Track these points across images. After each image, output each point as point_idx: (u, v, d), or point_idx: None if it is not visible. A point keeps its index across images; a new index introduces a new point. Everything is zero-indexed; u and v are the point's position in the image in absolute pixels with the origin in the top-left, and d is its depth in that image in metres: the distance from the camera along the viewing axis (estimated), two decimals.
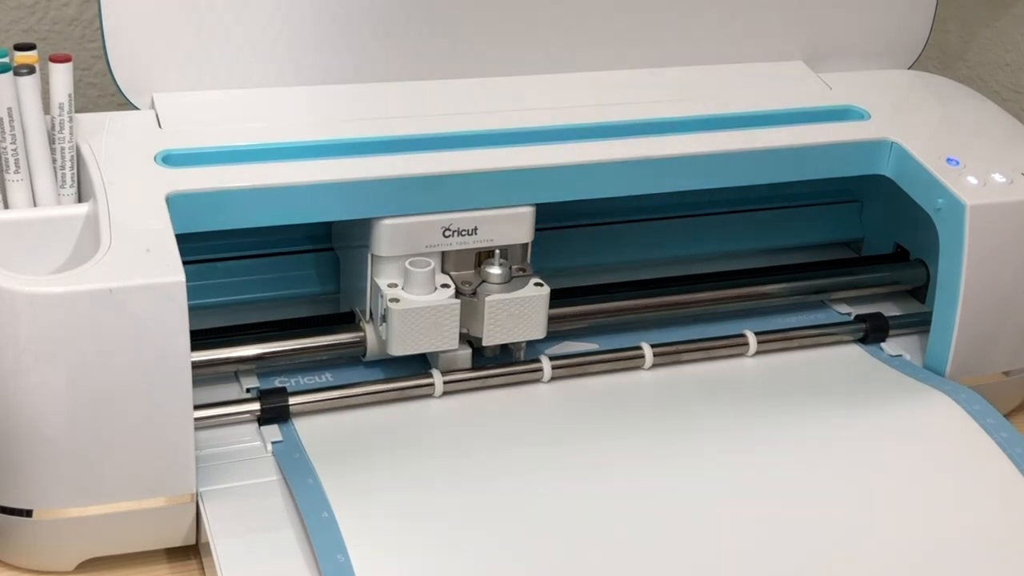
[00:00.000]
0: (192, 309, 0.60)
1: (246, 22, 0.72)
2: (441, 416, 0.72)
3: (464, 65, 0.77)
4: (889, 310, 0.84)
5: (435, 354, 0.73)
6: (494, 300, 0.71)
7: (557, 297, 0.79)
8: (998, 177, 0.75)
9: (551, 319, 0.76)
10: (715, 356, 0.78)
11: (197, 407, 0.64)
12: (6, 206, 0.65)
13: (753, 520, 0.65)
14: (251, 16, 0.72)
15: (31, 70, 0.64)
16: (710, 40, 0.82)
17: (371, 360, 0.74)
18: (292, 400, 0.70)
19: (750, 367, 0.78)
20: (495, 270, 0.72)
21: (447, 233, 0.70)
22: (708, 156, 0.75)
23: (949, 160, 0.76)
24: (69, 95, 0.65)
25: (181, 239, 0.62)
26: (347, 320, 0.75)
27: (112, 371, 0.59)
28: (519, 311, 0.71)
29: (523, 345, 0.75)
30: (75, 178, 0.67)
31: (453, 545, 0.62)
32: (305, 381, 0.73)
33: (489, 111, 0.75)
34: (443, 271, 0.72)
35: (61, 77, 0.65)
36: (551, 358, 0.75)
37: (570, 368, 0.75)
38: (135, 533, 0.64)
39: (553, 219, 0.83)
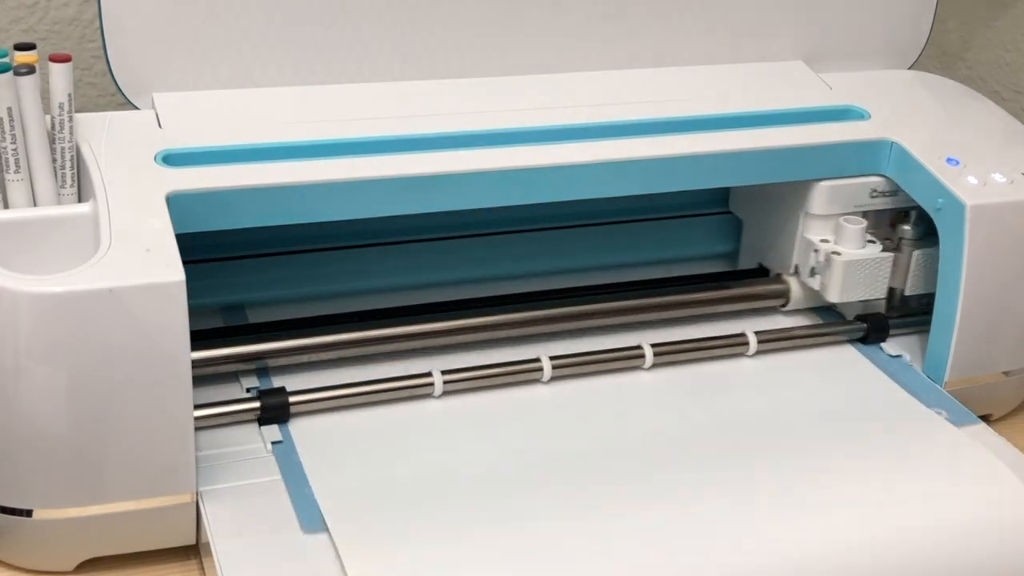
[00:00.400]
0: (192, 309, 0.60)
1: (246, 22, 0.72)
2: (441, 416, 0.72)
3: (464, 65, 0.77)
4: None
5: (853, 304, 0.81)
6: (920, 254, 0.79)
7: (557, 297, 0.79)
8: (998, 177, 0.75)
9: (551, 319, 0.76)
10: (715, 356, 0.78)
11: (197, 407, 0.64)
12: (6, 206, 0.65)
13: (753, 520, 0.65)
14: (251, 16, 0.72)
15: (31, 70, 0.64)
16: (710, 40, 0.82)
17: (792, 310, 0.82)
18: (292, 400, 0.70)
19: (750, 367, 0.78)
20: (911, 228, 0.79)
21: (874, 194, 0.78)
22: (708, 156, 0.75)
23: (949, 160, 0.76)
24: (69, 95, 0.65)
25: (181, 239, 0.62)
26: (760, 274, 0.84)
27: (112, 371, 0.59)
28: (937, 264, 0.77)
29: (924, 301, 0.80)
30: (75, 178, 0.66)
31: (453, 544, 0.62)
32: (305, 381, 0.73)
33: (487, 111, 0.75)
34: None
35: (61, 77, 0.65)
36: (551, 358, 0.75)
37: (570, 368, 0.75)
38: (135, 533, 0.64)
39: (554, 219, 0.83)
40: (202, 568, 0.65)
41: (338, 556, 0.60)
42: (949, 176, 0.75)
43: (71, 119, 0.66)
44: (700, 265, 0.87)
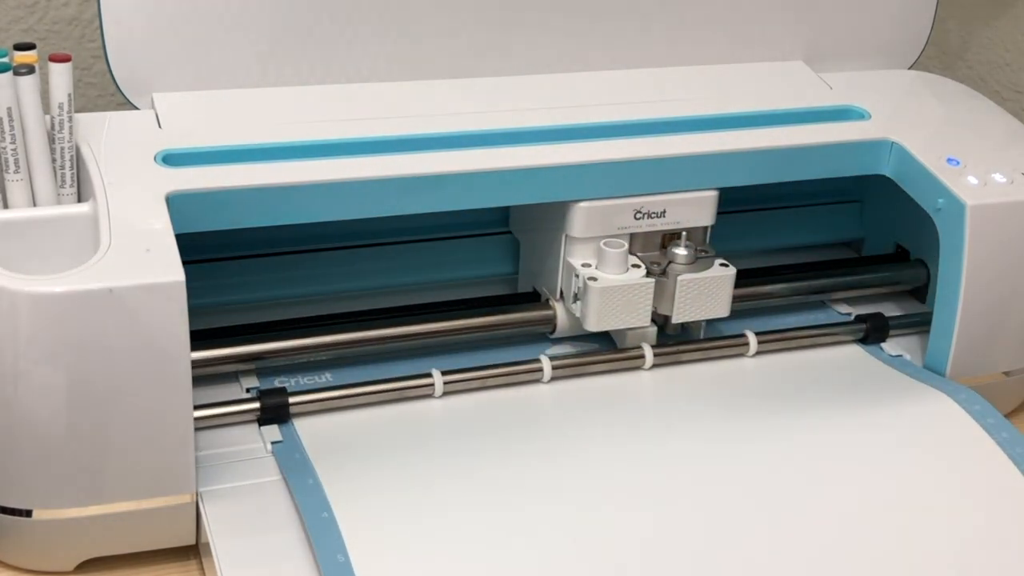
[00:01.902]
0: (192, 309, 0.60)
1: (246, 22, 0.72)
2: (441, 416, 0.72)
3: (465, 65, 0.77)
4: (889, 310, 0.84)
5: (622, 331, 0.77)
6: (685, 279, 0.74)
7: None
8: (998, 177, 0.75)
9: (551, 319, 0.76)
10: (715, 356, 0.78)
11: (197, 407, 0.64)
12: (6, 206, 0.65)
13: (753, 520, 0.65)
14: (251, 16, 0.72)
15: (31, 70, 0.64)
16: (711, 40, 0.82)
17: (559, 337, 0.78)
18: (292, 400, 0.70)
19: (750, 367, 0.78)
20: (682, 251, 0.75)
21: (638, 215, 0.74)
22: (708, 156, 0.75)
23: (949, 160, 0.76)
24: (69, 95, 0.65)
25: (181, 239, 0.62)
26: (532, 299, 0.79)
27: (112, 371, 0.59)
28: (708, 290, 0.75)
29: (704, 324, 0.78)
30: (75, 178, 0.66)
31: (453, 545, 0.62)
32: (305, 381, 0.73)
33: (487, 111, 0.75)
34: (631, 253, 0.75)
35: (61, 77, 0.65)
36: (551, 358, 0.75)
37: (570, 368, 0.75)
38: (135, 533, 0.64)
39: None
40: (202, 568, 0.65)
41: (340, 556, 0.60)
42: (949, 176, 0.75)
43: (71, 119, 0.65)
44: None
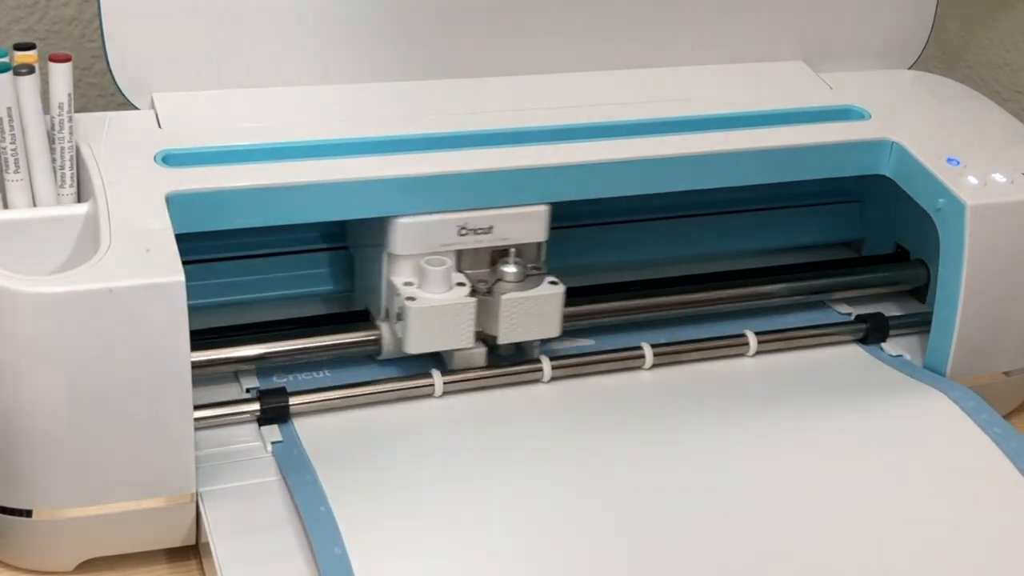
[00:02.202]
0: (192, 309, 0.60)
1: (246, 22, 0.72)
2: (441, 416, 0.72)
3: (464, 65, 0.77)
4: (889, 310, 0.84)
5: (450, 352, 0.73)
6: (509, 298, 0.71)
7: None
8: (998, 177, 0.75)
9: (377, 340, 0.75)
10: (715, 356, 0.78)
11: (197, 407, 0.64)
12: (6, 206, 0.65)
13: (753, 519, 0.65)
14: (251, 16, 0.72)
15: (31, 70, 0.64)
16: (710, 40, 0.82)
17: (386, 359, 0.74)
18: (292, 400, 0.70)
19: (750, 367, 0.78)
20: (510, 268, 0.72)
21: (463, 232, 0.71)
22: (708, 156, 0.74)
23: (949, 160, 0.76)
24: (69, 95, 0.65)
25: (181, 239, 0.62)
26: (362, 318, 0.75)
27: (112, 371, 0.59)
28: (534, 309, 0.72)
29: (537, 344, 0.75)
30: (75, 178, 0.66)
31: (451, 542, 0.62)
32: (305, 381, 0.73)
33: (493, 111, 0.75)
34: (458, 270, 0.72)
35: (61, 77, 0.65)
36: (551, 358, 0.75)
37: (570, 368, 0.75)
38: (135, 533, 0.64)
39: (555, 219, 0.83)
40: (202, 568, 0.65)
41: (337, 549, 0.60)
42: (949, 176, 0.75)
43: (71, 119, 0.65)
44: (700, 265, 0.85)
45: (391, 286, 0.71)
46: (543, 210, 0.72)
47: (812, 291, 0.84)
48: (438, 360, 0.74)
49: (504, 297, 0.71)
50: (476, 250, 0.72)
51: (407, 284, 0.71)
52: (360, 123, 0.73)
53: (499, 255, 0.73)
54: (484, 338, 0.73)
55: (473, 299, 0.70)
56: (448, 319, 0.70)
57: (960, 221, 0.73)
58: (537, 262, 0.74)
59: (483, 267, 0.73)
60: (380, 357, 0.74)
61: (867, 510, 0.66)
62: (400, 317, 0.70)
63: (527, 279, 0.72)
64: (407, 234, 0.70)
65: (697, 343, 0.78)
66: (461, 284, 0.71)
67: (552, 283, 0.72)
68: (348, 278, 0.79)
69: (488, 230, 0.71)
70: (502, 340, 0.72)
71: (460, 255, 0.72)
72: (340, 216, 0.70)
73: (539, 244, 0.74)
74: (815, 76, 0.84)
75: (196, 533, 0.65)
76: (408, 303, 0.69)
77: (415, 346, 0.70)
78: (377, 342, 0.73)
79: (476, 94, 0.77)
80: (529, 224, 0.72)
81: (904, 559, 0.63)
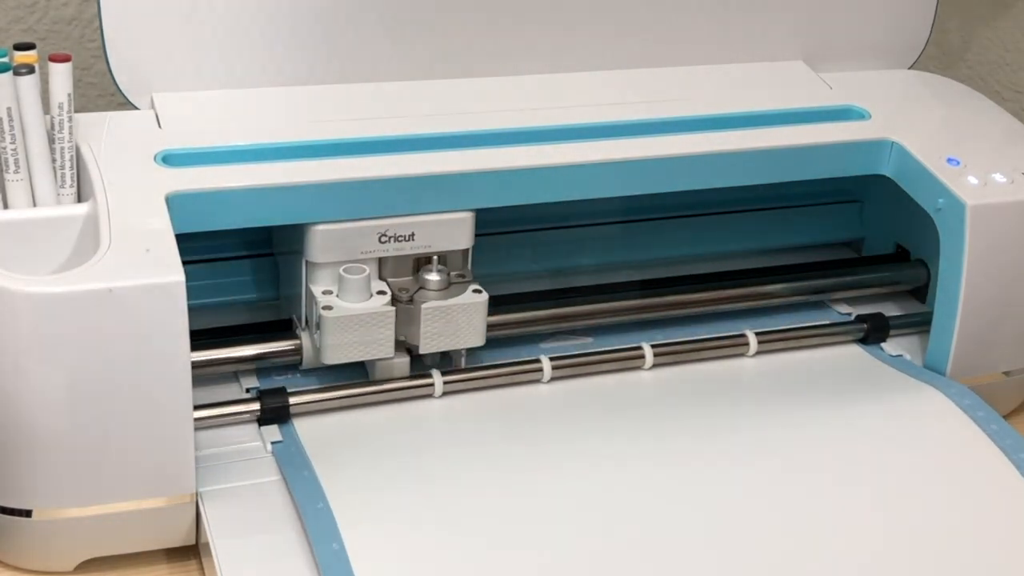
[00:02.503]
0: (192, 309, 0.60)
1: (246, 22, 0.72)
2: (441, 416, 0.72)
3: (465, 65, 0.77)
4: (889, 310, 0.84)
5: (372, 363, 0.72)
6: (430, 307, 0.70)
7: (557, 297, 0.79)
8: (998, 177, 0.75)
9: (552, 319, 0.76)
10: (715, 356, 0.78)
11: (197, 407, 0.64)
12: (6, 206, 0.65)
13: (753, 519, 0.65)
14: (251, 16, 0.72)
15: (30, 70, 0.64)
16: (710, 40, 0.82)
17: (307, 369, 0.72)
18: (292, 400, 0.70)
19: (750, 367, 0.78)
20: (432, 276, 0.71)
21: (383, 239, 0.69)
22: (708, 156, 0.74)
23: (949, 160, 0.76)
24: (69, 95, 0.65)
25: (181, 239, 0.62)
26: (286, 327, 0.74)
27: (112, 371, 0.59)
28: (456, 318, 0.70)
29: (464, 353, 0.73)
30: (75, 178, 0.66)
31: (451, 539, 0.62)
32: (305, 381, 0.73)
33: (487, 111, 0.75)
34: (380, 278, 0.71)
35: (61, 77, 0.65)
36: (551, 358, 0.75)
37: (570, 368, 0.75)
38: (135, 533, 0.64)
39: (556, 219, 0.83)
40: (202, 568, 0.65)
41: (339, 551, 0.60)
42: (949, 176, 0.75)
43: (71, 119, 0.65)
44: (700, 266, 0.85)
45: (310, 294, 0.70)
46: (468, 216, 0.71)
47: (812, 291, 0.84)
48: (362, 369, 0.73)
49: (424, 306, 0.69)
50: (398, 258, 0.71)
51: (326, 292, 0.69)
52: (360, 123, 0.73)
53: (423, 263, 0.71)
54: (408, 348, 0.72)
55: (392, 308, 0.69)
56: (366, 328, 0.69)
57: (960, 221, 0.73)
58: (463, 270, 0.72)
59: (406, 275, 0.71)
60: (301, 367, 0.72)
61: (867, 510, 0.66)
62: (318, 326, 0.69)
63: (450, 287, 0.71)
64: (325, 241, 0.69)
65: (697, 343, 0.78)
66: (382, 292, 0.70)
67: (476, 291, 0.71)
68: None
69: (410, 237, 0.70)
70: (423, 350, 0.71)
71: (382, 263, 0.71)
72: (339, 216, 0.69)
73: (464, 251, 0.72)
74: (815, 76, 0.84)
75: (196, 533, 0.65)
76: (324, 312, 0.68)
77: (333, 356, 0.69)
78: (298, 352, 0.72)
79: (480, 94, 0.77)
80: (453, 231, 0.71)
81: (904, 558, 0.63)
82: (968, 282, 0.74)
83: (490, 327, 0.74)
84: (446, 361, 0.74)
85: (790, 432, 0.72)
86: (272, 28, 0.73)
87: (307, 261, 0.70)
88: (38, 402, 0.59)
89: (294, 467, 0.65)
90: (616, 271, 0.84)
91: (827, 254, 0.90)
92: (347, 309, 0.68)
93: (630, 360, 0.77)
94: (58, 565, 0.65)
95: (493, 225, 0.83)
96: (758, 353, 0.79)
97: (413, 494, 0.65)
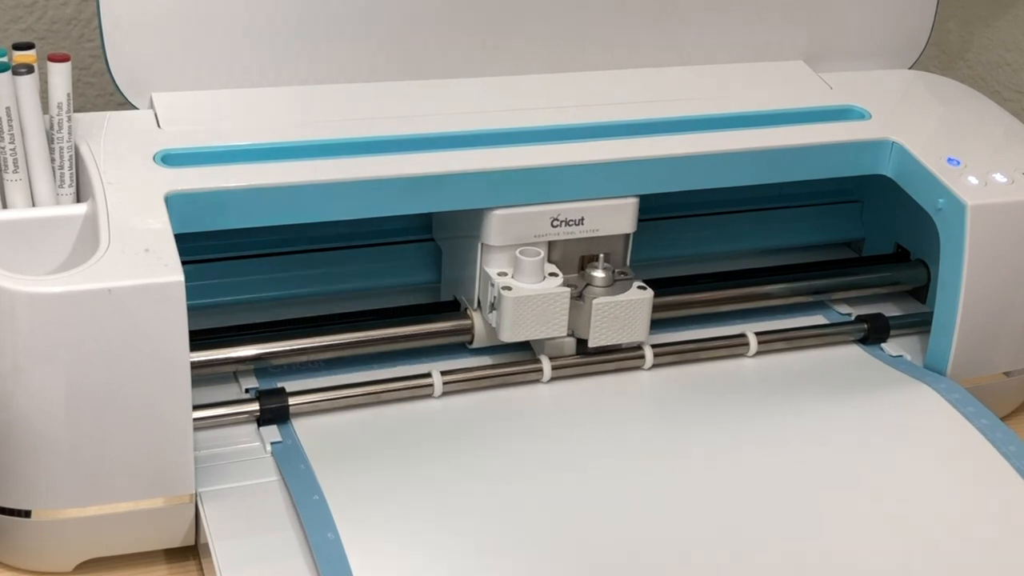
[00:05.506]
0: (192, 309, 0.60)
1: (245, 22, 0.72)
2: (441, 416, 0.72)
3: (464, 65, 0.77)
4: (890, 310, 0.84)
5: (541, 341, 0.75)
6: (601, 302, 0.72)
7: None
8: (999, 177, 0.75)
9: (469, 329, 0.75)
10: (715, 356, 0.78)
11: (196, 407, 0.64)
12: (5, 206, 0.65)
13: (752, 519, 0.65)
14: (250, 16, 0.72)
15: (30, 69, 0.64)
16: (710, 40, 0.82)
17: (479, 347, 0.76)
18: (291, 400, 0.70)
19: (750, 367, 0.78)
20: (599, 273, 0.73)
21: (555, 223, 0.72)
22: (708, 156, 0.74)
23: (950, 160, 0.76)
24: (68, 94, 0.65)
25: (180, 239, 0.62)
26: (452, 308, 0.77)
27: (111, 371, 0.59)
28: (624, 313, 0.73)
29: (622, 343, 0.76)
30: (74, 178, 0.66)
31: (446, 533, 0.62)
32: (304, 381, 0.73)
33: (487, 111, 0.75)
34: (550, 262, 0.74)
35: (60, 76, 0.65)
36: (551, 358, 0.75)
37: (569, 368, 0.75)
38: (134, 533, 0.64)
39: None
40: (201, 568, 0.65)
41: (334, 541, 0.60)
42: (950, 176, 0.75)
43: (70, 119, 0.65)
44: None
45: (486, 275, 0.73)
46: (632, 202, 0.73)
47: (812, 291, 0.84)
48: (527, 348, 0.76)
49: (596, 301, 0.72)
50: (564, 254, 0.74)
51: (501, 274, 0.72)
52: (360, 123, 0.73)
53: (588, 260, 0.74)
54: (575, 336, 0.75)
55: (567, 289, 0.72)
56: (543, 309, 0.71)
57: (960, 221, 0.73)
58: (623, 267, 0.76)
59: (572, 272, 0.74)
60: (472, 346, 0.76)
61: (867, 509, 0.66)
62: (494, 306, 0.71)
63: (616, 283, 0.74)
64: (503, 225, 0.71)
65: (697, 343, 0.78)
66: (554, 275, 0.73)
67: (640, 287, 0.74)
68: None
69: (579, 221, 0.73)
70: (593, 343, 0.73)
71: (551, 248, 0.74)
72: (340, 216, 0.69)
73: (625, 248, 0.76)
74: (815, 76, 0.84)
75: (195, 533, 0.65)
76: (505, 292, 0.71)
77: (510, 334, 0.72)
78: (469, 331, 0.75)
79: (469, 94, 0.77)
80: (617, 215, 0.73)
81: (904, 557, 0.63)
82: (968, 282, 0.74)
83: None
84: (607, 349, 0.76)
85: (790, 432, 0.72)
86: (272, 28, 0.73)
87: (483, 244, 0.72)
88: (37, 402, 0.59)
89: (293, 467, 0.65)
90: None
91: (827, 254, 0.90)
92: (525, 289, 0.71)
93: (630, 360, 0.76)
94: (57, 565, 0.65)
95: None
96: (758, 353, 0.79)
97: (411, 490, 0.65)
